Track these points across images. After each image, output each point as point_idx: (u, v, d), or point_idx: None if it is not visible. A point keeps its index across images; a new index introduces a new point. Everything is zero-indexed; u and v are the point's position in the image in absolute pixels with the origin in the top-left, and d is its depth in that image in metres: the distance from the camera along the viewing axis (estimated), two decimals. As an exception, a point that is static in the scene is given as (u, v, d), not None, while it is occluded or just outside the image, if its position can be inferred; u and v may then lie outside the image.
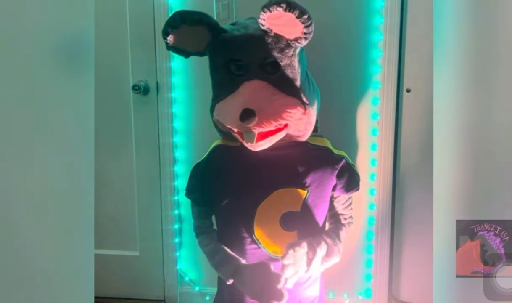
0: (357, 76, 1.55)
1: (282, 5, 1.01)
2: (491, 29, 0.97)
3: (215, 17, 1.51)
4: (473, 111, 0.99)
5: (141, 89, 1.65)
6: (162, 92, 1.66)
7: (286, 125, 1.16)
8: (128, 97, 1.70)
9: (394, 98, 1.52)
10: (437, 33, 1.01)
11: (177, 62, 1.64)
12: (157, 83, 1.66)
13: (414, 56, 1.47)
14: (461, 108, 0.99)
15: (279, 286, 1.13)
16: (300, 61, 1.16)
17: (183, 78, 1.66)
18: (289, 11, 1.02)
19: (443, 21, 1.00)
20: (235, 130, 1.15)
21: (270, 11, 1.04)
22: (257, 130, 1.11)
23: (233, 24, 1.23)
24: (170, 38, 1.16)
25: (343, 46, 1.53)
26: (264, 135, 1.13)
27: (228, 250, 1.25)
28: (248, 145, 1.15)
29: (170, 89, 1.65)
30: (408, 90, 1.49)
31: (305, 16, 1.03)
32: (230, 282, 1.20)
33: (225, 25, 1.21)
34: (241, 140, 1.16)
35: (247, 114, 1.08)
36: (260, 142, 1.14)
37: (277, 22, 1.07)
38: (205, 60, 1.24)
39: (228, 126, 1.16)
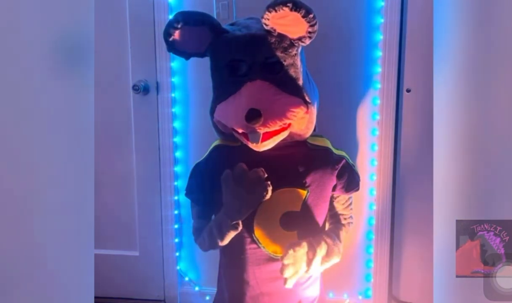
0: (357, 76, 1.55)
1: (288, 4, 1.01)
2: (491, 29, 0.97)
3: (215, 17, 1.51)
4: (473, 111, 0.98)
5: (141, 89, 1.65)
6: (162, 92, 1.66)
7: (289, 124, 1.16)
8: (128, 97, 1.70)
9: (394, 98, 1.52)
10: (437, 33, 1.01)
11: (177, 62, 1.64)
12: (157, 83, 1.66)
13: (414, 56, 1.47)
14: (461, 108, 0.99)
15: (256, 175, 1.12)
16: (301, 60, 1.16)
17: (183, 78, 1.66)
18: (295, 10, 1.02)
19: (443, 21, 1.00)
20: (240, 131, 1.15)
21: (276, 11, 1.03)
22: (262, 130, 1.11)
23: (232, 24, 1.23)
24: (172, 39, 1.16)
25: (343, 46, 1.53)
26: (268, 136, 1.13)
27: (214, 218, 1.23)
28: (252, 146, 1.15)
29: (170, 89, 1.65)
30: (408, 90, 1.49)
31: (311, 15, 1.04)
32: (239, 226, 1.16)
33: (224, 25, 1.21)
34: (244, 141, 1.16)
35: (253, 115, 1.08)
36: (264, 143, 1.14)
37: (282, 21, 1.07)
38: (205, 60, 1.24)
39: (232, 127, 1.16)
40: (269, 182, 1.13)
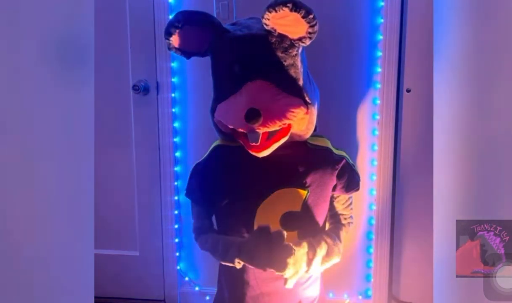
0: (357, 76, 1.55)
1: (288, 5, 1.01)
2: (491, 28, 0.97)
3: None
4: (473, 111, 0.98)
5: (141, 89, 1.65)
6: (162, 92, 1.66)
7: (289, 127, 1.15)
8: (128, 97, 1.70)
9: (394, 98, 1.52)
10: (437, 33, 1.01)
11: (177, 62, 1.64)
12: (157, 83, 1.66)
13: (414, 56, 1.47)
14: (461, 108, 0.99)
15: (283, 248, 1.11)
16: (301, 60, 1.16)
17: (183, 78, 1.66)
18: (295, 11, 1.02)
19: (443, 21, 1.00)
20: (239, 130, 1.15)
21: (276, 11, 1.03)
22: (261, 130, 1.11)
23: (233, 24, 1.23)
24: (173, 38, 1.16)
25: (343, 46, 1.53)
26: (268, 144, 1.14)
27: (227, 237, 1.23)
28: (252, 151, 1.15)
29: (170, 89, 1.65)
30: (408, 90, 1.49)
31: (311, 16, 1.04)
32: (239, 265, 1.18)
33: (225, 25, 1.21)
34: (243, 142, 1.16)
35: (252, 114, 1.08)
36: (264, 151, 1.14)
37: (282, 21, 1.07)
38: (205, 60, 1.24)
39: (232, 127, 1.16)
40: (290, 266, 1.12)
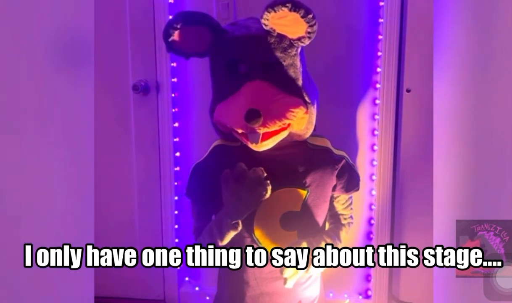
0: (357, 76, 1.55)
1: (287, 4, 1.01)
2: (491, 28, 0.97)
3: (215, 17, 1.51)
4: (473, 111, 0.99)
5: (141, 89, 1.65)
6: (162, 92, 1.66)
7: (289, 124, 1.16)
8: (128, 97, 1.70)
9: (394, 98, 1.52)
10: (437, 33, 1.01)
11: (177, 62, 1.64)
12: (157, 83, 1.66)
13: (414, 56, 1.47)
14: (461, 108, 0.99)
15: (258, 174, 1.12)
16: (300, 60, 1.16)
17: (183, 78, 1.66)
18: (294, 10, 1.02)
19: (443, 21, 1.00)
20: (239, 131, 1.15)
21: (275, 11, 1.03)
22: (262, 130, 1.11)
23: (233, 24, 1.23)
24: (171, 39, 1.16)
25: (343, 46, 1.53)
26: (268, 136, 1.13)
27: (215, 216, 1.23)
28: (252, 146, 1.15)
29: (170, 89, 1.65)
30: (408, 90, 1.49)
31: (310, 16, 1.04)
32: (240, 227, 1.16)
33: (225, 25, 1.21)
34: (244, 141, 1.16)
35: (252, 115, 1.08)
36: (264, 143, 1.14)
37: (281, 22, 1.07)
38: (205, 60, 1.24)
39: (231, 127, 1.16)
40: (268, 181, 1.13)
